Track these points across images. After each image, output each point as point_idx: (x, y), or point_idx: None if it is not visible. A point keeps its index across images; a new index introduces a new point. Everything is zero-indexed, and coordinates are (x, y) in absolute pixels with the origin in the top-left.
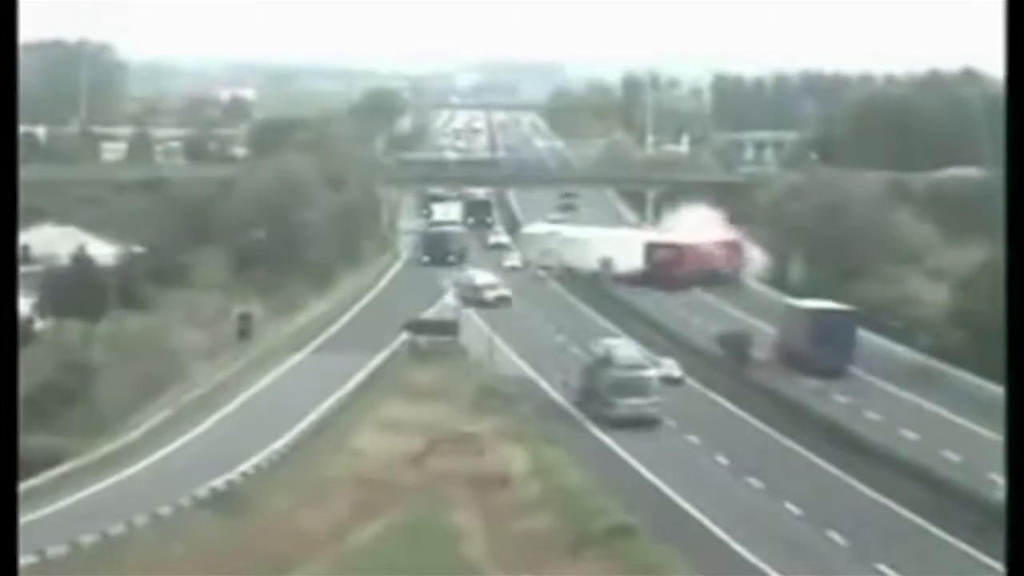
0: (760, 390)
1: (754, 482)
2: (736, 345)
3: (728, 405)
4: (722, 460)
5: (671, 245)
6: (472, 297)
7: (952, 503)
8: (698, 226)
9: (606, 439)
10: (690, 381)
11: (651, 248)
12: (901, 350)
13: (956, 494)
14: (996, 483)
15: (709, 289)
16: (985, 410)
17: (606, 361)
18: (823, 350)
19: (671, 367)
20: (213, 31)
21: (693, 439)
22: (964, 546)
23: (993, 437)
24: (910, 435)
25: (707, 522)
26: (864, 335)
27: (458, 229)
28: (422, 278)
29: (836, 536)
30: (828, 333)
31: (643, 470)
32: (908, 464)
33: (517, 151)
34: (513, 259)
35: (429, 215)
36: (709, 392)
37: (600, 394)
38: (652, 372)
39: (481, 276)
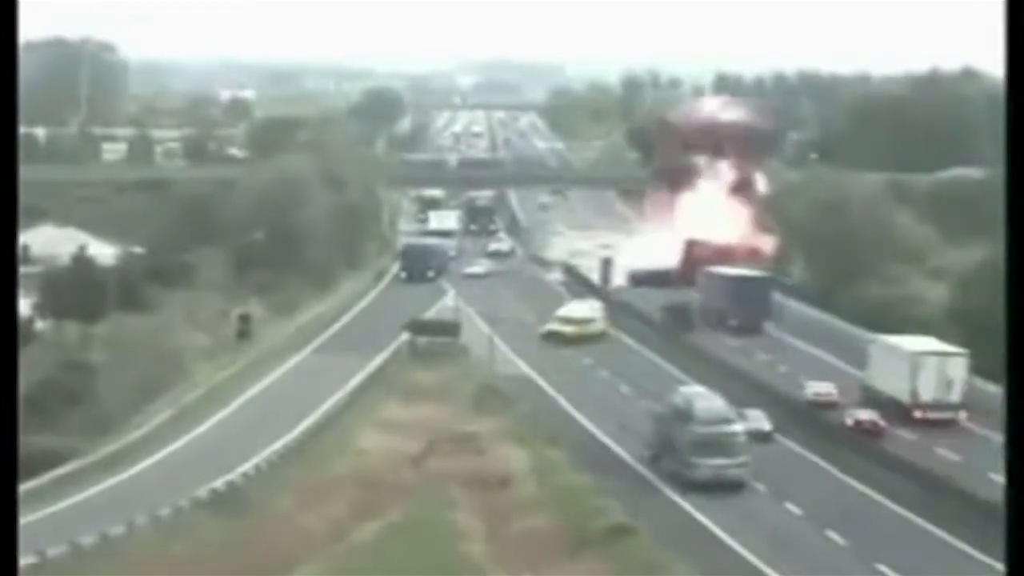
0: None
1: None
2: (679, 313)
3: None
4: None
5: (708, 245)
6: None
7: None
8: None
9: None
10: None
11: (689, 245)
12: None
13: None
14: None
15: None
16: None
17: (685, 414)
18: (743, 309)
19: (759, 419)
20: (213, 31)
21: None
22: None
23: None
24: None
25: None
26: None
27: (445, 242)
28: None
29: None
30: (747, 295)
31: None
32: None
33: (517, 150)
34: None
35: (425, 222)
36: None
37: (677, 452)
38: (738, 427)
39: (577, 307)
